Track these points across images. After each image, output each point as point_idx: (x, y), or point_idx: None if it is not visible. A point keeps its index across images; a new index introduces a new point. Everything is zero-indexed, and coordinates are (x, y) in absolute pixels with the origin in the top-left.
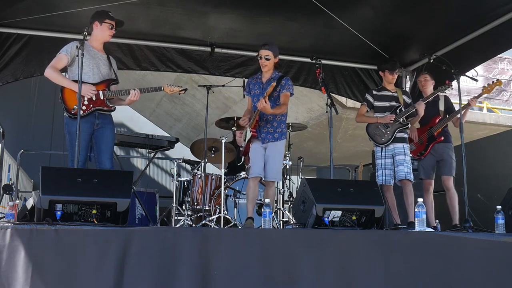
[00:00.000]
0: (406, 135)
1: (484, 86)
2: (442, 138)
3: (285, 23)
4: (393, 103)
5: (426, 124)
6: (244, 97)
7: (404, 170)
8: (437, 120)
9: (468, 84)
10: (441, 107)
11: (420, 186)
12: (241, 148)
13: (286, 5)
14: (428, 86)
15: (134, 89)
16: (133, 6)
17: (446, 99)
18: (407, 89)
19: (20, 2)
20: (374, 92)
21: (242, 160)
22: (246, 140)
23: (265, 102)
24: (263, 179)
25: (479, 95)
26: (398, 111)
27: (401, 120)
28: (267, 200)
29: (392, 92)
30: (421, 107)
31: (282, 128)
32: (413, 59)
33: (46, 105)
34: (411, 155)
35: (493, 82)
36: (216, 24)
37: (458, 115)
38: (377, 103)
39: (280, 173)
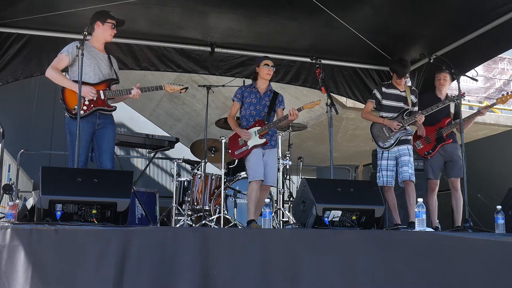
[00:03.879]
0: (410, 137)
1: (498, 97)
2: (451, 140)
3: (285, 23)
4: (401, 104)
5: (435, 124)
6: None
7: (408, 171)
8: (447, 122)
9: (468, 84)
10: (451, 108)
11: (420, 186)
12: (236, 152)
13: (286, 5)
14: (446, 85)
15: (135, 88)
16: (133, 6)
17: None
18: None
19: (20, 1)
20: (383, 89)
21: (236, 162)
22: (251, 145)
23: (297, 113)
24: (262, 183)
25: (493, 105)
26: (405, 115)
27: (406, 126)
28: (267, 200)
29: (401, 91)
30: (420, 119)
31: (276, 135)
32: (413, 59)
33: (46, 105)
34: (414, 155)
35: (507, 93)
36: (216, 24)
37: (469, 124)
38: (385, 102)
39: (276, 178)
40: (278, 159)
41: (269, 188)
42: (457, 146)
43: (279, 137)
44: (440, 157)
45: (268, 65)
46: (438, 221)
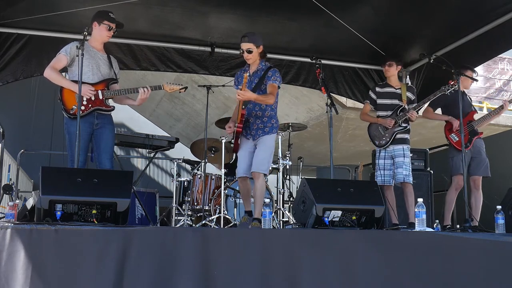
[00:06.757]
0: (406, 135)
1: None
2: (482, 133)
3: (285, 23)
4: (395, 101)
5: (464, 117)
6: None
7: (402, 173)
8: (475, 115)
9: None
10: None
11: (420, 186)
12: (233, 146)
13: (286, 5)
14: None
15: (143, 88)
16: (133, 6)
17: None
18: None
19: (20, 1)
20: (377, 89)
21: (235, 157)
22: (234, 137)
23: (243, 91)
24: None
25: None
26: (399, 112)
27: (400, 123)
28: (267, 200)
29: (396, 89)
30: (412, 115)
31: (273, 123)
32: (413, 59)
33: (46, 105)
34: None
35: None
36: (216, 24)
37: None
38: (379, 101)
39: (265, 164)
40: (278, 159)
41: (258, 175)
42: (482, 142)
43: (279, 136)
44: (470, 152)
45: (242, 51)
46: (438, 221)
